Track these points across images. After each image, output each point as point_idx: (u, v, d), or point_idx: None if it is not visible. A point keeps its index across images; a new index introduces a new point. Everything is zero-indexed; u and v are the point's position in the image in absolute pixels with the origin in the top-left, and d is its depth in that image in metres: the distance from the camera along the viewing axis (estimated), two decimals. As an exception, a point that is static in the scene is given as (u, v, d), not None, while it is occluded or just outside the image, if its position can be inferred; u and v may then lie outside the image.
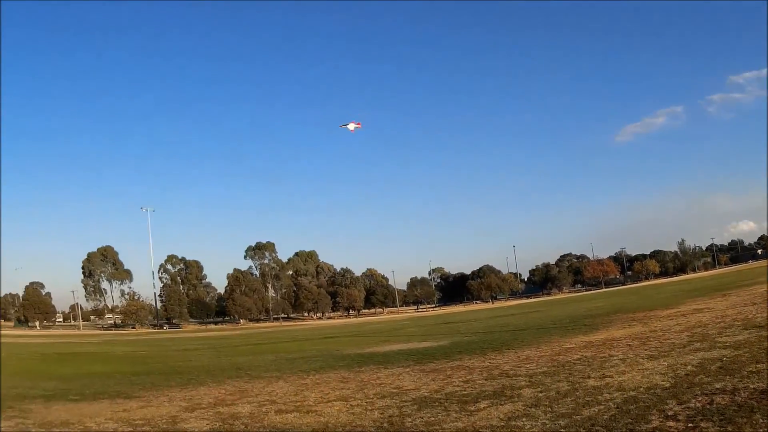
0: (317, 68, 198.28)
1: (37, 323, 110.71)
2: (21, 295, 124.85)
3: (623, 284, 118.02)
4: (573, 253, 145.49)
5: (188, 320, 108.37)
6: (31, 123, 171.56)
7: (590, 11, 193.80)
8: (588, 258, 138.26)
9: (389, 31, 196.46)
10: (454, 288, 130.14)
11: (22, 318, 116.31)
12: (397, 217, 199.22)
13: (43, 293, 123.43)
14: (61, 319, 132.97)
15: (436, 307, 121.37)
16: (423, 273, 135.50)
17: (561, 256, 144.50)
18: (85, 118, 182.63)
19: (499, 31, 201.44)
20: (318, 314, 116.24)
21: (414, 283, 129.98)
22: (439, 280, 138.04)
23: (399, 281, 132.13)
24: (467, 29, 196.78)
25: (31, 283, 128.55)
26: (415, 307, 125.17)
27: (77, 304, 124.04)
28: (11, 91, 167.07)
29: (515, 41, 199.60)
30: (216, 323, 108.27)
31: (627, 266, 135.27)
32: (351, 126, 38.18)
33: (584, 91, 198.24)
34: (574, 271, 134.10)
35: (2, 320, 79.42)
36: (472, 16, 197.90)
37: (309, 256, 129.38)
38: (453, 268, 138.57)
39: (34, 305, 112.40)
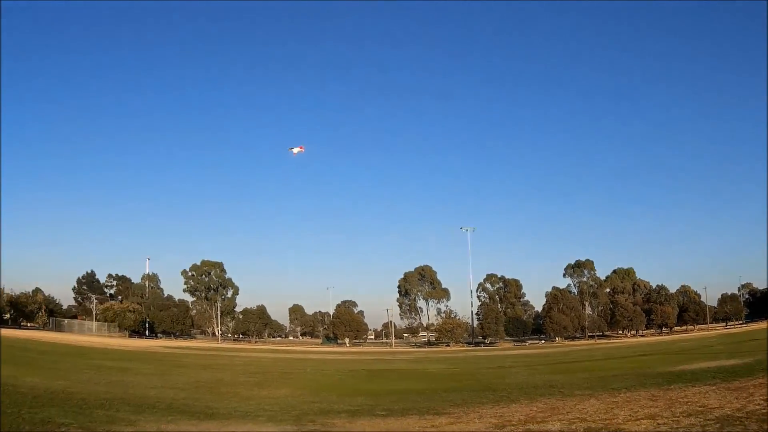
0: None
1: (347, 340, 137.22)
2: (332, 314, 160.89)
3: None
4: None
5: (504, 338, 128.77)
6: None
7: None
8: None
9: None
10: (762, 304, 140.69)
11: (331, 335, 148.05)
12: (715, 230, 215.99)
13: (356, 311, 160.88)
14: (372, 337, 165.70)
15: (743, 323, 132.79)
16: (733, 289, 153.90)
17: None
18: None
19: None
20: (632, 332, 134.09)
21: (724, 299, 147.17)
22: (747, 296, 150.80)
23: (710, 297, 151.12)
24: None
25: (343, 302, 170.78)
26: (724, 324, 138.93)
27: (391, 321, 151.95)
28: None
29: None
30: (531, 341, 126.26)
31: None
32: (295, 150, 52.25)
33: None
34: None
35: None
36: None
37: (626, 274, 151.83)
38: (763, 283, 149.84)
39: (344, 323, 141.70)
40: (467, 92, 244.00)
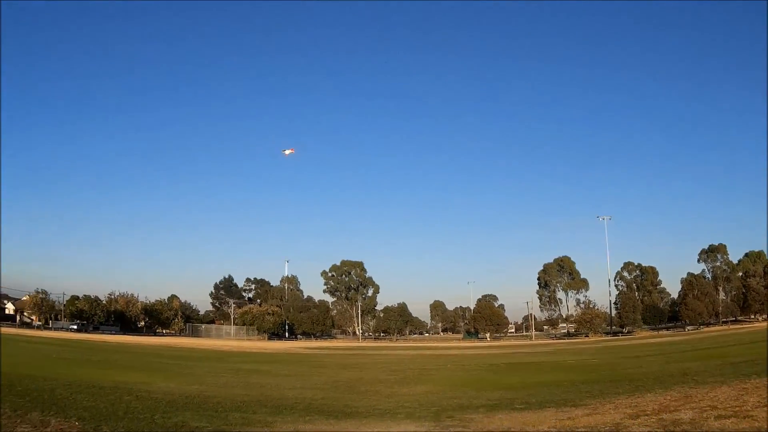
0: None
1: (487, 335, 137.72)
2: (472, 308, 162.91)
3: None
4: None
5: (641, 326, 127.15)
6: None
7: None
8: None
9: None
10: None
11: (472, 330, 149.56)
12: None
13: (496, 305, 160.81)
14: (512, 330, 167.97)
15: None
16: None
17: None
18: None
19: None
20: (764, 315, 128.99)
21: None
22: None
23: None
24: None
25: (484, 296, 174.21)
26: None
27: (531, 314, 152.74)
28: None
29: None
30: (667, 329, 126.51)
31: None
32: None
33: None
34: None
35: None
36: None
37: (758, 257, 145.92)
38: None
39: (485, 317, 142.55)
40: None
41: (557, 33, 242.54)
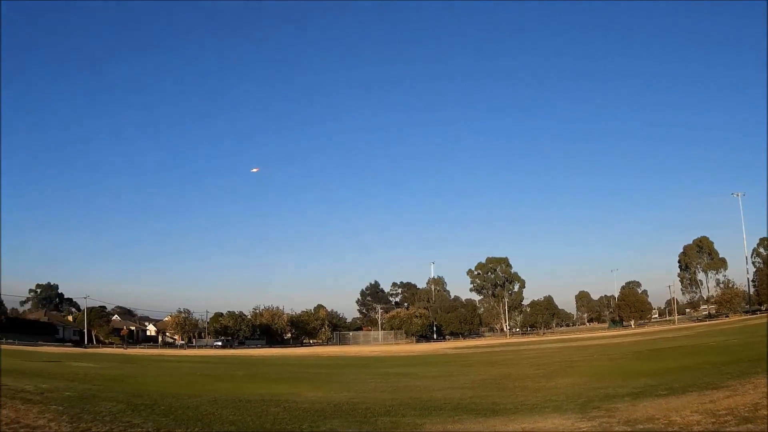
0: None
1: (632, 322, 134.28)
2: (616, 296, 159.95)
3: None
4: None
5: None
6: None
7: None
8: None
9: None
10: None
11: (617, 318, 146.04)
12: None
13: (639, 291, 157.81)
14: (656, 316, 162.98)
15: None
16: None
17: None
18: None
19: None
20: None
21: None
22: None
23: None
24: None
25: (627, 283, 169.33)
26: None
27: (673, 298, 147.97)
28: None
29: None
30: None
31: None
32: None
33: None
34: None
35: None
36: None
37: None
38: None
39: (629, 304, 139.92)
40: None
41: None
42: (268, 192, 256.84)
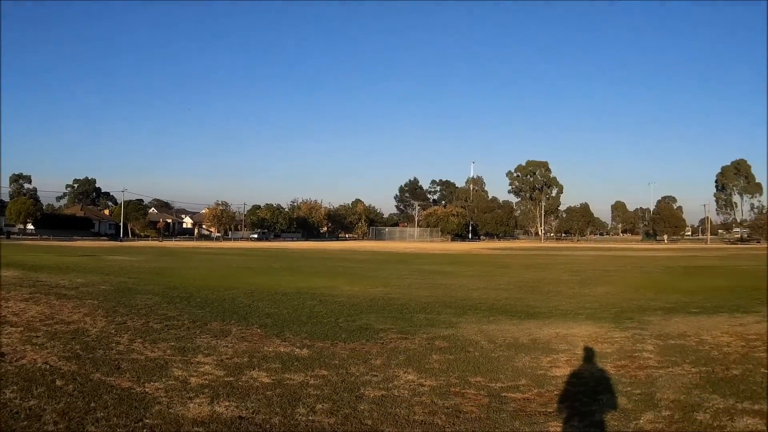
0: None
1: (665, 237, 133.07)
2: (652, 210, 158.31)
3: None
4: None
5: None
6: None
7: None
8: None
9: None
10: None
11: (651, 231, 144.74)
12: None
13: (675, 207, 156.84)
14: (689, 233, 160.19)
15: None
16: None
17: None
18: None
19: None
20: None
21: None
22: None
23: None
24: None
25: (663, 198, 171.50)
26: None
27: (707, 217, 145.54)
28: None
29: None
30: None
31: None
32: None
33: None
34: None
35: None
36: None
37: None
38: None
39: (664, 219, 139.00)
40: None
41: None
42: (309, 82, 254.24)
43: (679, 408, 6.15)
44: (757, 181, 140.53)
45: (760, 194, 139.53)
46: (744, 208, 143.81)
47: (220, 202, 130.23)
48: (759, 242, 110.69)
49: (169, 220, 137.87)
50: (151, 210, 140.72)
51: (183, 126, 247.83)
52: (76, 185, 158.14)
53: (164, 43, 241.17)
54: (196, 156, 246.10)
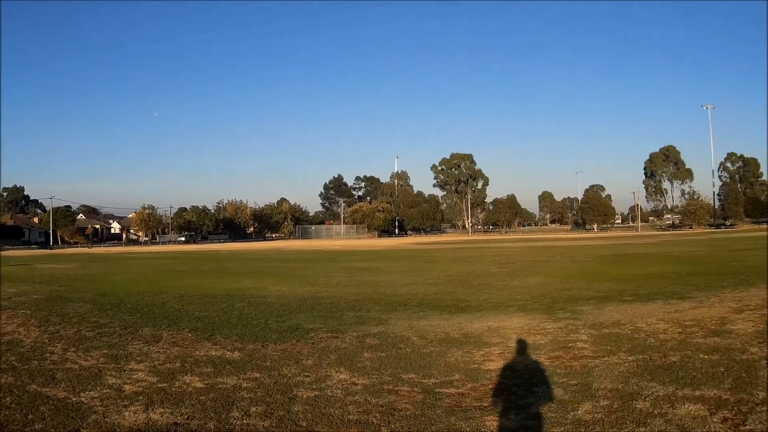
0: None
1: (594, 225, 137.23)
2: (580, 199, 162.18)
3: None
4: None
5: (743, 219, 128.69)
6: None
7: None
8: None
9: None
10: None
11: (580, 221, 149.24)
12: None
13: (603, 195, 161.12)
14: (619, 221, 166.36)
15: None
16: None
17: None
18: None
19: None
20: None
21: None
22: None
23: None
24: None
25: (591, 186, 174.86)
26: None
27: (637, 204, 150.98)
28: None
29: None
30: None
31: None
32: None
33: None
34: None
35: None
36: None
37: None
38: None
39: (593, 208, 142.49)
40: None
41: None
42: (233, 83, 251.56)
43: (618, 397, 6.18)
44: (687, 167, 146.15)
45: (691, 180, 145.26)
46: (675, 194, 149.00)
47: (146, 206, 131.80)
48: (691, 228, 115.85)
49: (98, 226, 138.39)
50: (79, 216, 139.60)
51: (107, 129, 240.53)
52: (5, 194, 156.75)
53: (79, 44, 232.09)
54: (122, 160, 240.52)
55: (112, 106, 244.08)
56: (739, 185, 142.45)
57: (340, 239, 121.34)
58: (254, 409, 6.16)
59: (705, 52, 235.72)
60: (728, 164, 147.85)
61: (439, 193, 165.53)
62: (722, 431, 5.13)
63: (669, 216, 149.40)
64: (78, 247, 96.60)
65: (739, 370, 7.02)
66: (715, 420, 5.38)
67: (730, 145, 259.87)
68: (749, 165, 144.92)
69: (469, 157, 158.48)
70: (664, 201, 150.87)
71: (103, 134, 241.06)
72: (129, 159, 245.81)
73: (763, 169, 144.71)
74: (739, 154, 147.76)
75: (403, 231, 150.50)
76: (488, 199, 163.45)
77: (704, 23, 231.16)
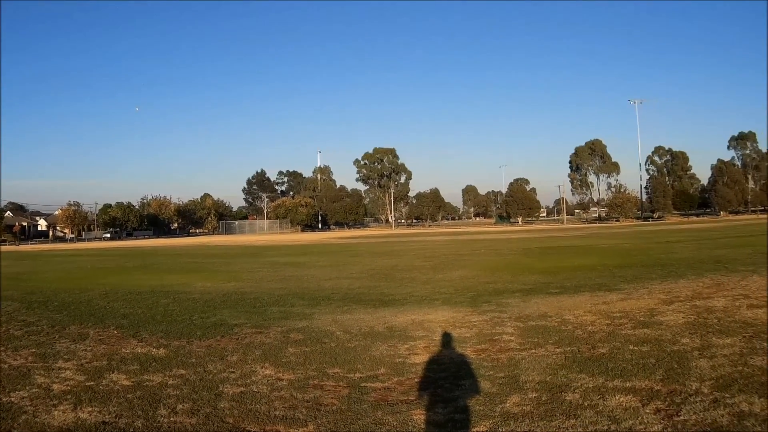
0: None
1: (519, 219, 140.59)
2: (504, 192, 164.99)
3: None
4: None
5: (671, 212, 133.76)
6: None
7: None
8: None
9: None
10: None
11: (504, 214, 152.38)
12: None
13: (528, 188, 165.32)
14: (544, 214, 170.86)
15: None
16: None
17: None
18: None
19: None
20: None
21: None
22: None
23: None
24: None
25: (516, 180, 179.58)
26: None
27: (563, 198, 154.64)
28: None
29: None
30: (697, 215, 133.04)
31: None
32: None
33: None
34: None
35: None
36: None
37: None
38: None
39: (517, 201, 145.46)
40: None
41: None
42: (158, 76, 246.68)
43: (546, 389, 6.30)
44: (613, 160, 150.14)
45: (618, 173, 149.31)
46: (601, 187, 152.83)
47: (72, 203, 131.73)
48: (618, 220, 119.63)
49: (25, 223, 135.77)
50: (6, 213, 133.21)
51: (32, 125, 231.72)
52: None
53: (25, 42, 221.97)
54: (48, 156, 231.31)
55: (30, 101, 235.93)
56: (667, 178, 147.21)
57: (263, 234, 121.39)
58: (181, 406, 6.22)
59: (631, 47, 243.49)
60: (656, 158, 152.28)
61: (362, 187, 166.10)
62: (655, 422, 5.24)
63: (595, 209, 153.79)
64: (6, 244, 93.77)
65: (670, 361, 7.24)
66: (648, 411, 5.51)
67: (658, 139, 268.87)
68: (677, 158, 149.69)
69: (392, 152, 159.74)
70: (590, 194, 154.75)
71: (27, 130, 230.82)
72: (55, 156, 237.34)
73: (691, 163, 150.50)
74: (667, 148, 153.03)
75: (326, 225, 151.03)
76: (411, 193, 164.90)
77: (634, 19, 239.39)
